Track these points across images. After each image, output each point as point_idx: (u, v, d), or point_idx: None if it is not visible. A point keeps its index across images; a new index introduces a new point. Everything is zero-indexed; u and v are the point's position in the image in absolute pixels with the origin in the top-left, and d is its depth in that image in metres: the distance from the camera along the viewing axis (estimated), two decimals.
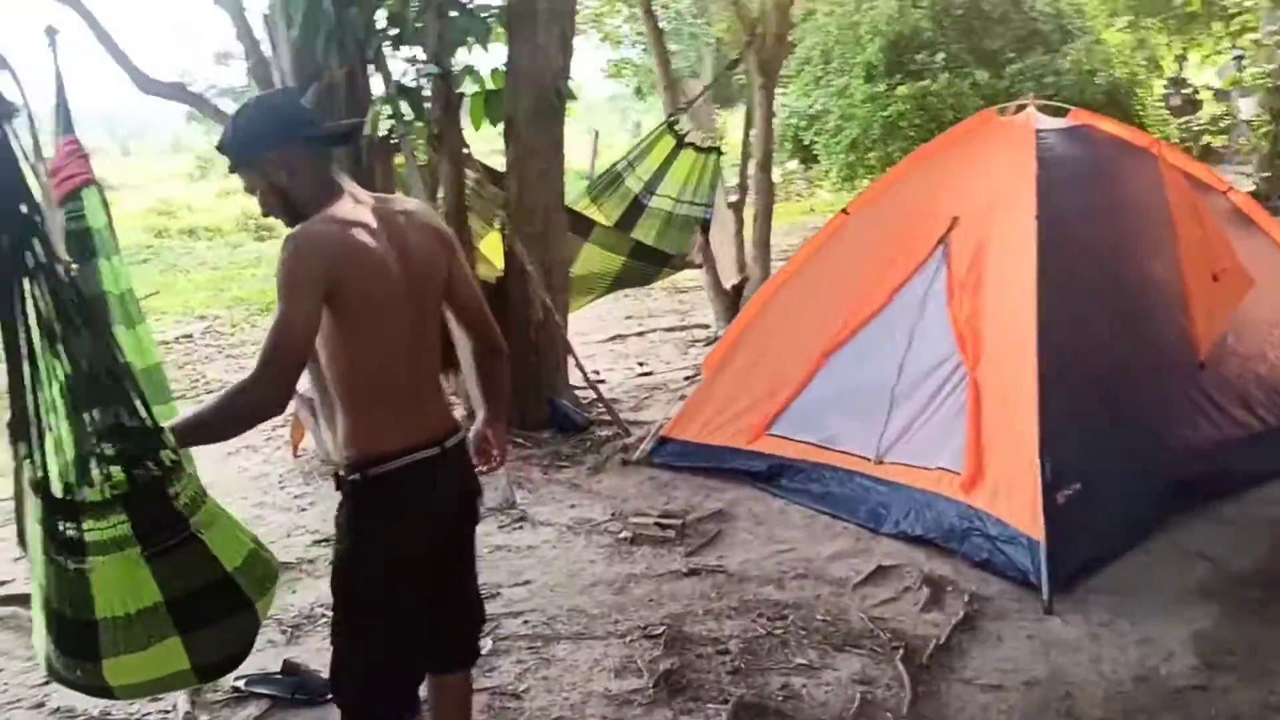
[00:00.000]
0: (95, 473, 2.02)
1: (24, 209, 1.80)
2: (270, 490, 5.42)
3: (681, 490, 5.00)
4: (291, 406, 5.31)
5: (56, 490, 2.02)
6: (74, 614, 2.18)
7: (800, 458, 4.87)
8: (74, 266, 3.35)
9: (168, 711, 3.27)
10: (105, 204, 3.64)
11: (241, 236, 17.34)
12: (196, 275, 14.03)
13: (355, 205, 2.28)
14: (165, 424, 2.08)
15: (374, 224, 2.26)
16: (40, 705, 3.38)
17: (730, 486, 4.96)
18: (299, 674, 3.40)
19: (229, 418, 2.13)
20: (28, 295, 1.84)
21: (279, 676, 3.40)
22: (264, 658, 3.55)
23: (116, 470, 2.01)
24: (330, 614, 2.48)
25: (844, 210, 5.45)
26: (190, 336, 9.64)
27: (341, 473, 2.34)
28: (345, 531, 2.35)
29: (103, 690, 2.31)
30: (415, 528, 2.37)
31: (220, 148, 2.29)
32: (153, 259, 15.55)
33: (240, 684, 3.38)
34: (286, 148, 2.24)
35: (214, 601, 2.19)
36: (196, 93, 5.44)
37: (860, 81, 12.48)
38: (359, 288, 2.18)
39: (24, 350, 1.88)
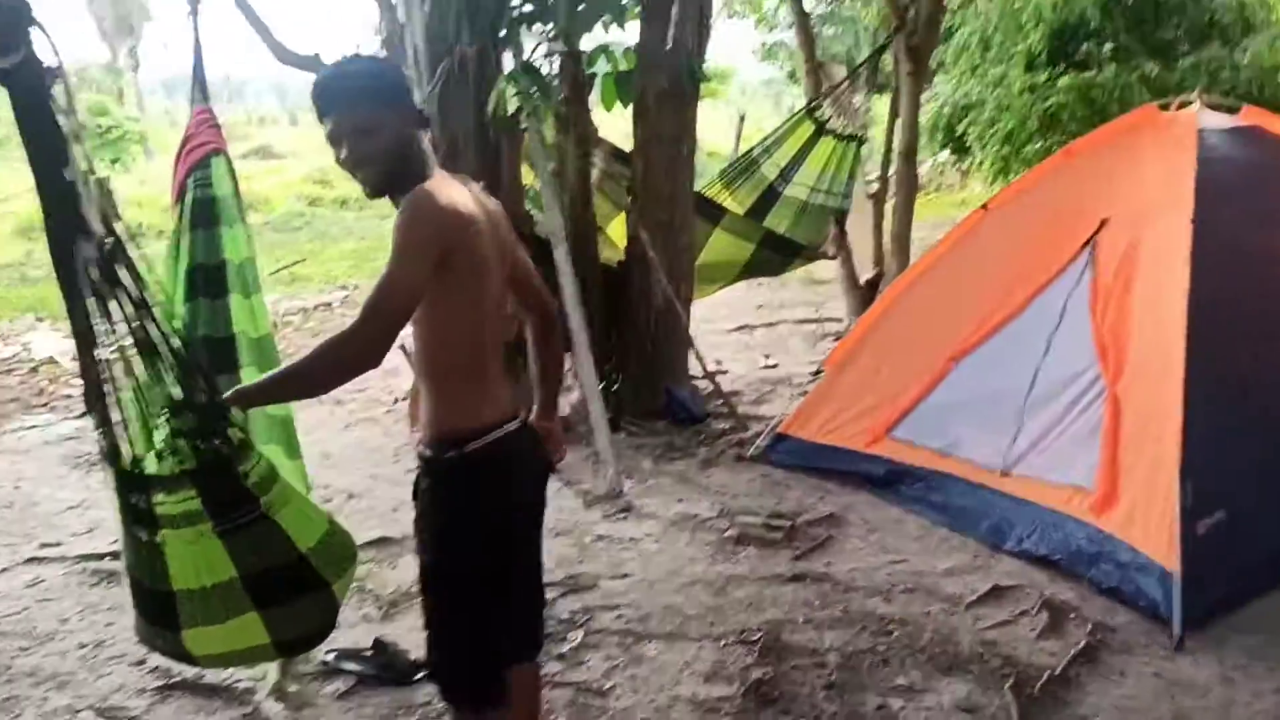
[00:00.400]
0: (163, 447, 2.00)
1: (68, 176, 1.77)
2: (383, 463, 5.46)
3: (794, 490, 4.83)
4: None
5: (126, 463, 2.02)
6: (152, 584, 2.19)
7: (921, 464, 4.64)
8: (194, 235, 3.40)
9: (258, 679, 3.29)
10: (232, 172, 3.67)
11: (389, 209, 17.76)
12: (343, 244, 14.42)
13: (449, 180, 2.22)
14: (262, 376, 2.06)
15: (471, 198, 2.21)
16: (141, 663, 3.45)
17: (845, 490, 4.77)
18: (388, 653, 3.38)
19: (328, 367, 2.06)
20: (80, 262, 1.82)
21: (368, 653, 3.39)
22: (357, 633, 3.57)
23: (184, 445, 1.98)
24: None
25: (983, 206, 5.16)
26: (329, 305, 9.86)
27: (430, 451, 2.27)
28: (441, 511, 2.28)
29: (186, 658, 2.33)
30: (513, 503, 2.34)
31: (346, 83, 2.14)
32: (304, 227, 16.05)
33: (329, 658, 3.38)
34: (408, 110, 2.20)
35: (289, 580, 2.17)
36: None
37: (1019, 71, 11.88)
38: (466, 257, 2.13)
39: (83, 317, 1.87)
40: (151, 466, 2.01)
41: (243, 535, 2.09)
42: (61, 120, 1.77)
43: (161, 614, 2.22)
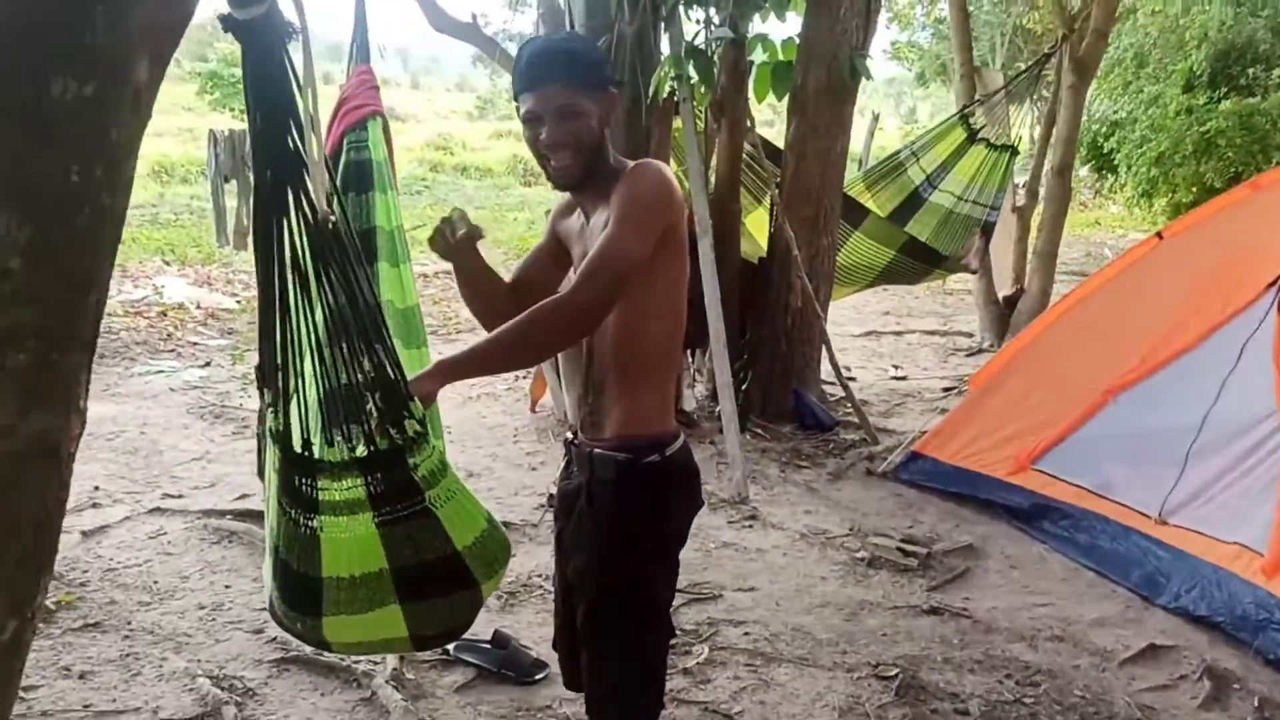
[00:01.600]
0: (337, 432, 1.89)
1: (291, 144, 1.65)
2: (504, 442, 5.37)
3: (929, 514, 4.61)
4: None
5: (296, 444, 1.91)
6: (300, 568, 2.09)
7: (1067, 500, 4.37)
8: (344, 199, 3.31)
9: (376, 663, 3.20)
10: (388, 137, 3.58)
11: (509, 180, 17.80)
12: None
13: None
14: (470, 345, 1.96)
15: None
16: (259, 631, 3.40)
17: (984, 519, 4.53)
18: (508, 647, 3.27)
19: (541, 334, 1.91)
20: (286, 235, 1.70)
21: (488, 646, 3.28)
22: (476, 623, 3.44)
23: (358, 432, 1.87)
24: (600, 617, 2.12)
25: (1158, 234, 4.85)
26: (449, 272, 9.83)
27: (623, 454, 2.05)
28: (633, 525, 2.07)
29: (319, 643, 2.23)
30: (691, 515, 2.20)
31: (568, 58, 1.98)
32: (424, 192, 16.16)
33: (449, 647, 3.28)
34: (615, 94, 2.07)
35: (440, 577, 2.05)
36: (488, 35, 5.39)
37: (1177, 91, 11.38)
38: (678, 238, 2.00)
39: (277, 294, 1.75)
40: (321, 451, 1.90)
41: (401, 527, 1.97)
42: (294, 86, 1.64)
43: (305, 599, 2.11)
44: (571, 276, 2.10)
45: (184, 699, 3.01)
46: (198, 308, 8.10)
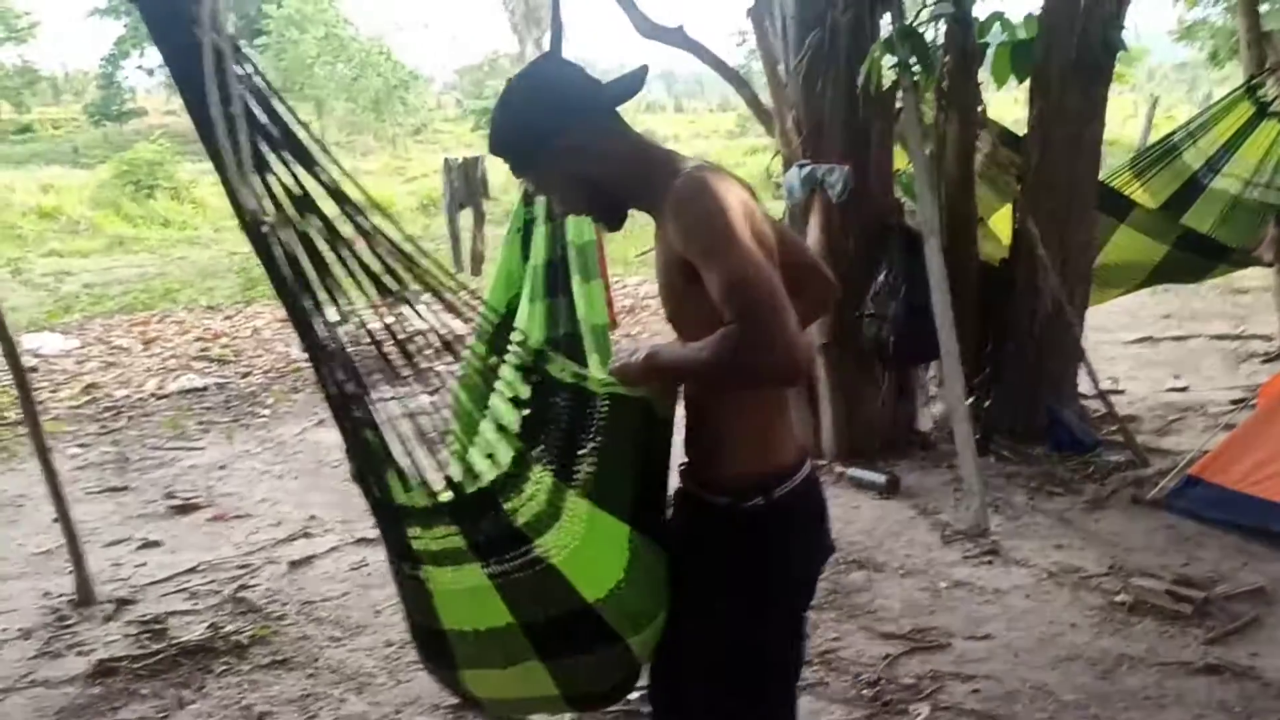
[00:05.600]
0: (411, 475, 1.66)
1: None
2: None
3: (1209, 551, 3.92)
4: None
5: (375, 489, 1.70)
6: (423, 620, 1.87)
7: None
8: None
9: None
10: None
11: (763, 194, 17.56)
12: None
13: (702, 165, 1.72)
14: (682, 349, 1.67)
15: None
16: None
17: (1278, 557, 3.81)
18: None
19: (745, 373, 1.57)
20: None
21: None
22: None
23: (434, 476, 1.63)
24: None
25: None
26: None
27: (723, 497, 1.75)
28: (733, 578, 1.75)
29: (470, 698, 2.00)
30: (816, 564, 1.89)
31: (498, 151, 1.78)
32: None
33: (633, 697, 2.98)
34: (577, 126, 1.71)
35: (575, 632, 1.77)
36: (694, 39, 5.13)
37: None
38: (760, 239, 1.64)
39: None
40: (400, 496, 1.67)
41: (516, 579, 1.71)
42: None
43: (436, 650, 1.90)
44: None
45: None
46: (435, 334, 8.24)
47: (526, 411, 1.64)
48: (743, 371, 1.54)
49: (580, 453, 1.64)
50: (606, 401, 1.64)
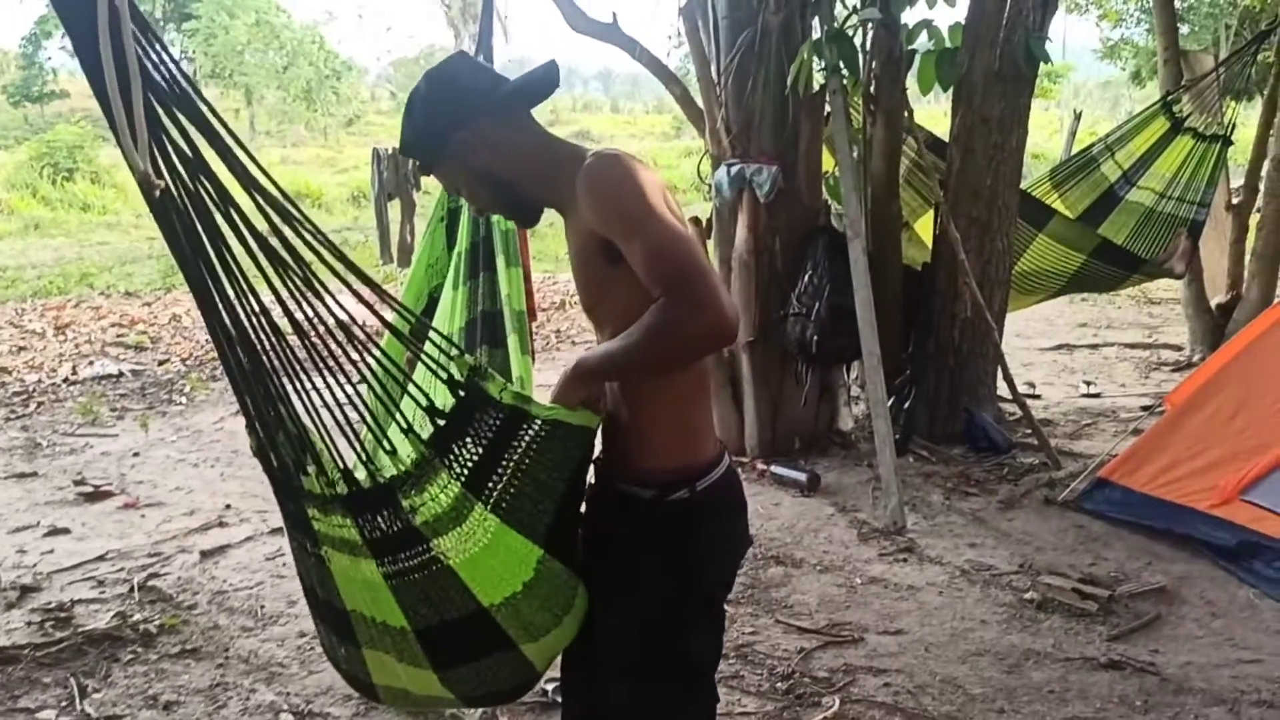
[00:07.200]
0: (308, 461, 1.63)
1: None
2: None
3: (1115, 551, 4.02)
4: None
5: (275, 465, 1.67)
6: (325, 596, 1.84)
7: None
8: None
9: None
10: None
11: (694, 196, 17.59)
12: None
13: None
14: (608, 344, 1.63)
15: None
16: None
17: (1181, 558, 3.92)
18: None
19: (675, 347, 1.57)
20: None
21: None
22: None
23: (330, 465, 1.61)
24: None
25: None
26: None
27: (648, 490, 1.72)
28: (655, 569, 1.73)
29: (368, 688, 1.96)
30: (736, 556, 1.90)
31: (405, 151, 1.80)
32: None
33: (549, 688, 2.98)
34: (478, 122, 1.71)
35: (469, 637, 1.73)
36: (628, 35, 5.12)
37: None
38: (679, 220, 1.64)
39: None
40: (299, 479, 1.64)
41: (411, 579, 1.67)
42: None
43: (338, 626, 1.86)
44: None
45: None
46: (360, 326, 8.15)
47: (442, 423, 1.59)
48: (679, 338, 1.52)
49: (499, 470, 1.60)
50: (546, 428, 1.59)
